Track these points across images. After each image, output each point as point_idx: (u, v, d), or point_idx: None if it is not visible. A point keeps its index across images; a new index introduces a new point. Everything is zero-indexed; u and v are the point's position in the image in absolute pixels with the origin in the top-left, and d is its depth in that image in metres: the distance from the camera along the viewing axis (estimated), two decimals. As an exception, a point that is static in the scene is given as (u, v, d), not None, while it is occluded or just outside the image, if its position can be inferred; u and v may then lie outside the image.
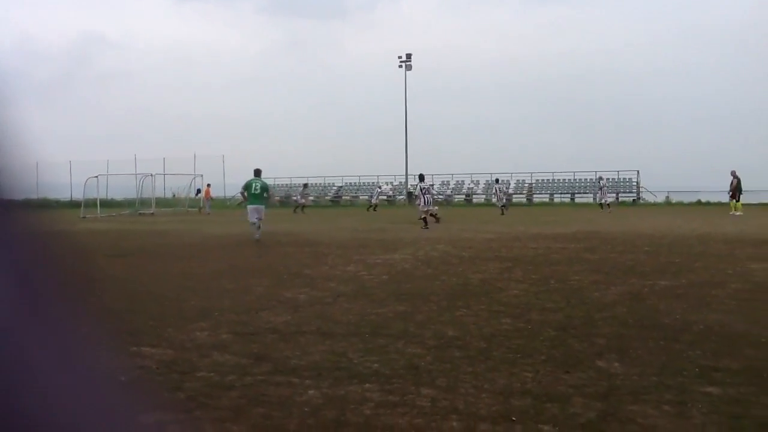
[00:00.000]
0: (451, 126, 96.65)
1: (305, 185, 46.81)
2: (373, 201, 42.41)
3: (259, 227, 16.70)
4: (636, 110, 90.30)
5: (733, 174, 30.25)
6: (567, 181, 56.35)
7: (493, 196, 35.88)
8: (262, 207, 17.17)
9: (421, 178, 23.79)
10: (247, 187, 17.32)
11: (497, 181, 39.35)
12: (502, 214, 31.21)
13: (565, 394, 4.20)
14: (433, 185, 24.58)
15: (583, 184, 55.95)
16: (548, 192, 55.47)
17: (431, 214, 22.07)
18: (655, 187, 51.41)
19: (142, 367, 4.94)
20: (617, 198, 51.97)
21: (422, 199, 22.31)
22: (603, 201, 37.50)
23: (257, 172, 17.68)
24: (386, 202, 56.23)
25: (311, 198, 43.84)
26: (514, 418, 3.75)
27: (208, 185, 44.82)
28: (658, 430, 3.57)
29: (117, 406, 0.65)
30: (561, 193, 55.12)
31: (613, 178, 54.92)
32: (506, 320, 6.44)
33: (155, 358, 5.19)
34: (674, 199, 47.99)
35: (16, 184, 0.57)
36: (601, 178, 42.93)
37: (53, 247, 0.64)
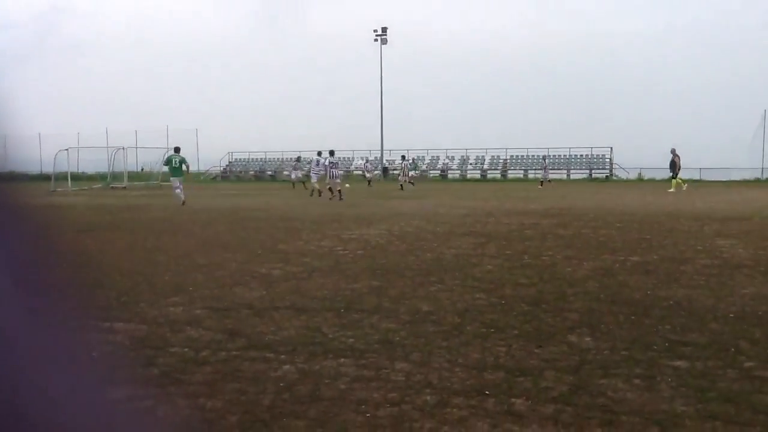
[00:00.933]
0: (426, 101, 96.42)
1: (298, 159, 45.15)
2: (368, 176, 42.07)
3: (181, 193, 20.76)
4: (610, 88, 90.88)
5: (673, 152, 30.64)
6: (540, 157, 56.67)
7: (400, 172, 37.36)
8: (182, 177, 21.49)
9: (331, 153, 25.84)
10: (168, 161, 21.98)
11: (403, 157, 40.24)
12: (402, 188, 33.06)
13: (538, 368, 4.25)
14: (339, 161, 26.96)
15: (556, 161, 56.34)
16: (522, 168, 55.83)
17: (336, 189, 24.22)
18: (627, 165, 51.95)
19: (115, 342, 4.91)
20: (590, 174, 52.51)
21: (328, 173, 24.89)
22: (544, 178, 39.80)
23: (177, 150, 22.03)
24: (361, 178, 56.17)
25: (286, 173, 43.07)
26: (487, 392, 3.79)
27: None
28: (628, 403, 3.64)
29: (87, 382, 0.64)
30: (534, 169, 55.45)
31: (586, 155, 55.42)
32: (480, 295, 6.49)
33: (128, 333, 5.16)
34: (646, 176, 48.53)
35: None
36: (545, 157, 46.02)
37: (18, 221, 0.62)
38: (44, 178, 42.06)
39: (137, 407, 3.61)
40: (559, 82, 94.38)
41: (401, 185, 34.46)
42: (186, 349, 4.68)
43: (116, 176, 42.65)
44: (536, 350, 4.65)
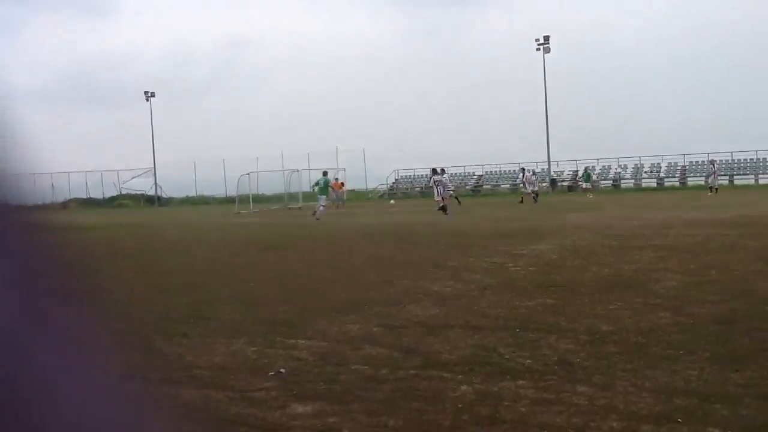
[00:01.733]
0: (595, 108, 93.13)
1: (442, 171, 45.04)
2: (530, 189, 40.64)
3: (318, 212, 25.43)
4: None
5: None
6: (724, 162, 52.73)
7: (524, 183, 36.92)
8: (325, 197, 27.12)
9: (435, 171, 27.20)
10: (316, 183, 27.98)
11: (523, 170, 39.27)
12: (521, 201, 32.58)
13: (735, 394, 3.93)
14: (445, 178, 27.97)
15: (743, 165, 52.20)
16: (703, 174, 52.05)
17: (441, 206, 24.75)
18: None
19: (299, 358, 5.15)
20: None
21: (436, 191, 26.09)
22: (713, 185, 37.31)
23: (324, 173, 28.00)
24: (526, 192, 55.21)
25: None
26: (679, 420, 3.56)
27: (336, 179, 45.58)
28: None
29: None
30: (719, 176, 51.67)
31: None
32: (664, 314, 6.12)
33: (311, 350, 5.39)
34: None
35: (12, 188, 0.57)
36: (713, 162, 42.74)
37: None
38: (229, 200, 45.36)
39: (319, 423, 3.76)
40: (744, 77, 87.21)
41: (521, 198, 33.92)
42: (366, 367, 4.81)
43: (292, 197, 44.93)
44: (732, 374, 4.30)
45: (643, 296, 6.99)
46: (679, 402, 3.83)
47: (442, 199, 25.10)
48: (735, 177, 49.98)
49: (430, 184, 27.77)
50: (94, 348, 0.61)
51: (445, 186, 26.58)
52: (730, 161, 52.10)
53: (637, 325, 5.71)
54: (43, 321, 0.56)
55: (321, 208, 25.81)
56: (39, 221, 0.61)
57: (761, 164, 51.41)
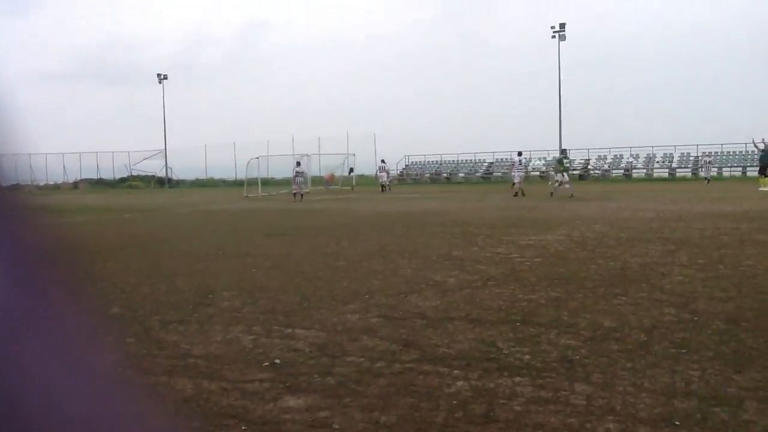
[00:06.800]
0: (608, 98, 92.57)
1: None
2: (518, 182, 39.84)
3: (564, 188, 27.03)
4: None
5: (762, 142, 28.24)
6: (738, 153, 52.24)
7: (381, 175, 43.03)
8: (564, 174, 28.32)
9: (299, 164, 34.09)
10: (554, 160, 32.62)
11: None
12: (383, 190, 37.31)
13: (737, 396, 3.83)
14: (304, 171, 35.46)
15: (757, 156, 51.61)
16: (716, 165, 51.60)
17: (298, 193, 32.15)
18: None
19: (296, 349, 5.08)
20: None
21: (298, 179, 32.94)
22: (706, 175, 41.68)
23: (563, 151, 32.13)
24: (539, 178, 54.94)
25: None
26: (677, 423, 3.47)
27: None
28: None
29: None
30: (731, 167, 51.22)
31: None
32: (669, 310, 6.01)
33: (308, 340, 5.32)
34: None
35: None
36: (707, 154, 47.22)
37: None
38: (238, 184, 45.37)
39: (316, 416, 3.70)
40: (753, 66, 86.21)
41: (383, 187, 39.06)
42: (362, 359, 4.74)
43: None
44: (735, 376, 4.19)
45: (649, 291, 6.88)
46: (678, 404, 3.74)
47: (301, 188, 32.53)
48: (748, 168, 49.52)
49: (523, 166, 32.20)
50: (86, 339, 0.59)
51: (304, 177, 33.36)
52: (743, 153, 51.50)
53: (641, 322, 5.60)
54: (34, 311, 0.54)
55: (558, 184, 27.76)
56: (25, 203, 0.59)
57: (751, 156, 50.90)
